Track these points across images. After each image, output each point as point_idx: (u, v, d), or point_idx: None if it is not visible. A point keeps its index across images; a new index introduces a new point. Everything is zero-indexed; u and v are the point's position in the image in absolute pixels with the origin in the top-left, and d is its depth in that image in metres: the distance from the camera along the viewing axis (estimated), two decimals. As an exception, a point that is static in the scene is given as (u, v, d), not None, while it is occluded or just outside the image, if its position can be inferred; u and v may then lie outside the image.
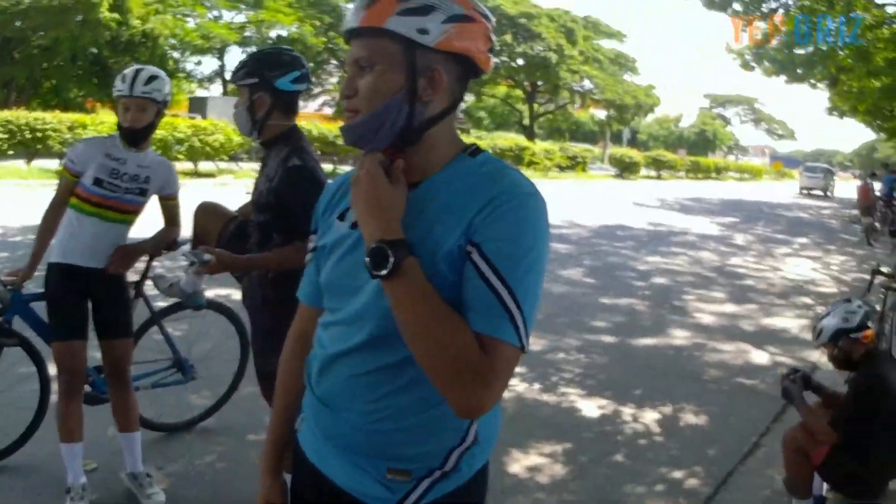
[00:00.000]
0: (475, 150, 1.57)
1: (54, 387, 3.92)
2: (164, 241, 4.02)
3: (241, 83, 3.17)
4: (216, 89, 47.21)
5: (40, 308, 3.84)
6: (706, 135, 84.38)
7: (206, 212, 3.69)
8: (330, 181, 1.85)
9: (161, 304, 4.53)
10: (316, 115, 36.39)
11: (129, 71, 3.66)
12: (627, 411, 5.32)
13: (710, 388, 6.03)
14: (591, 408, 5.36)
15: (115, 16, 28.95)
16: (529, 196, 1.45)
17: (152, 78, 3.63)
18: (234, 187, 18.00)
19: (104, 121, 20.57)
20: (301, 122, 3.71)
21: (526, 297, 1.39)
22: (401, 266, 1.36)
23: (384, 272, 1.36)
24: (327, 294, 1.64)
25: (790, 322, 8.55)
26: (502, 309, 1.37)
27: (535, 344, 6.70)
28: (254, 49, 41.09)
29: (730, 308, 9.29)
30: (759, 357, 7.02)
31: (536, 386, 5.72)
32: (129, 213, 3.77)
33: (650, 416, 5.26)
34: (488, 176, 1.49)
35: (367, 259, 1.38)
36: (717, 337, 7.67)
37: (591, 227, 16.68)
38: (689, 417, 5.30)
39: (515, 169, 1.55)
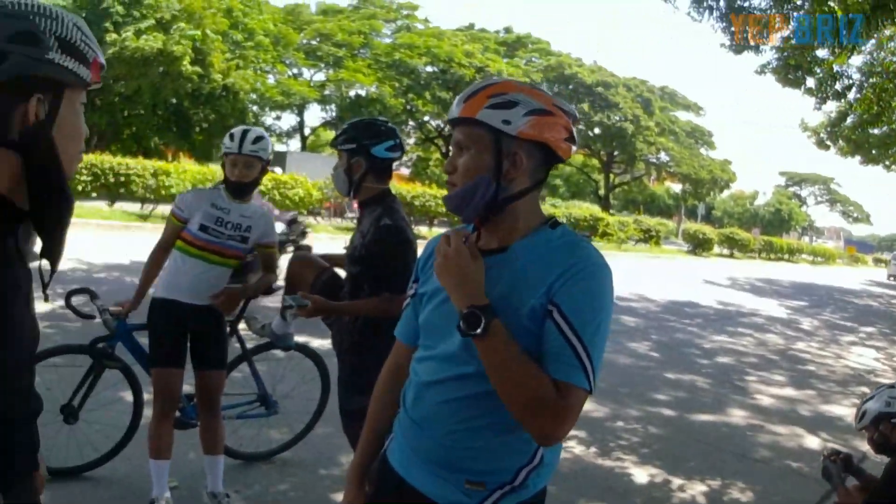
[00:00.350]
0: (555, 223, 1.89)
1: (146, 411, 4.36)
2: (262, 287, 4.37)
3: (340, 147, 3.51)
4: (294, 144, 48.38)
5: (141, 338, 4.29)
6: (781, 214, 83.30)
7: (302, 262, 3.96)
8: (427, 239, 2.28)
9: (252, 343, 4.96)
10: (393, 175, 36.96)
11: (237, 131, 4.05)
12: (677, 481, 5.62)
13: (758, 467, 6.28)
14: (642, 475, 5.68)
15: (197, 69, 29.61)
16: (601, 267, 1.78)
17: (259, 138, 4.02)
18: (311, 240, 18.63)
19: (187, 169, 21.46)
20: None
21: (595, 351, 1.70)
22: (490, 326, 1.68)
23: (478, 331, 1.68)
24: (424, 334, 1.97)
25: (846, 410, 8.65)
26: (577, 360, 1.68)
27: (597, 411, 7.07)
28: (333, 107, 42.04)
29: (789, 392, 9.45)
30: (811, 442, 7.21)
31: (593, 450, 6.06)
32: (231, 257, 4.14)
33: (698, 488, 5.55)
34: (566, 246, 1.81)
35: (462, 322, 1.70)
36: (773, 419, 7.87)
37: (660, 302, 16.89)
38: (735, 493, 5.57)
39: (589, 242, 1.88)
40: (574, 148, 1.90)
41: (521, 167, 1.82)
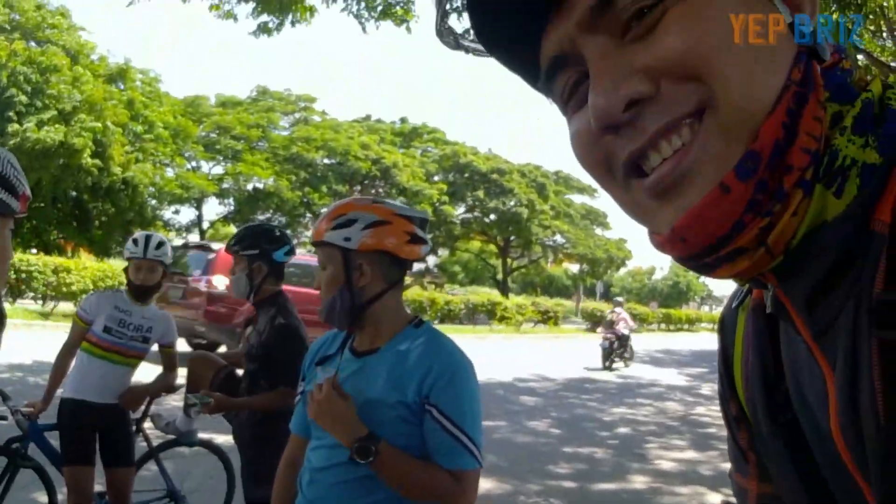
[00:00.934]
0: (419, 322, 2.13)
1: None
2: (164, 385, 4.58)
3: (242, 253, 3.70)
4: (193, 238, 47.55)
5: (53, 437, 4.36)
6: (679, 286, 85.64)
7: (200, 361, 4.12)
8: (313, 339, 2.43)
9: (158, 441, 4.96)
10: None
11: (139, 236, 4.34)
12: (581, 549, 5.52)
13: (661, 528, 6.23)
14: (545, 546, 5.56)
15: (97, 162, 29.22)
16: (463, 363, 2.03)
17: (161, 244, 4.30)
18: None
19: (87, 266, 21.31)
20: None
21: (475, 433, 1.95)
22: (379, 452, 1.86)
23: (370, 459, 1.86)
24: (314, 426, 2.11)
25: (747, 467, 8.71)
26: (463, 448, 1.92)
27: (498, 489, 6.95)
28: (231, 201, 41.62)
29: (690, 454, 9.49)
30: (713, 499, 7.20)
31: (494, 527, 5.91)
32: (133, 357, 4.35)
33: (601, 553, 5.46)
34: (429, 347, 2.04)
35: (354, 455, 1.87)
36: (675, 481, 7.86)
37: (559, 380, 16.88)
38: (639, 555, 5.50)
39: (449, 339, 2.11)
40: (423, 248, 2.15)
41: (367, 275, 2.08)
